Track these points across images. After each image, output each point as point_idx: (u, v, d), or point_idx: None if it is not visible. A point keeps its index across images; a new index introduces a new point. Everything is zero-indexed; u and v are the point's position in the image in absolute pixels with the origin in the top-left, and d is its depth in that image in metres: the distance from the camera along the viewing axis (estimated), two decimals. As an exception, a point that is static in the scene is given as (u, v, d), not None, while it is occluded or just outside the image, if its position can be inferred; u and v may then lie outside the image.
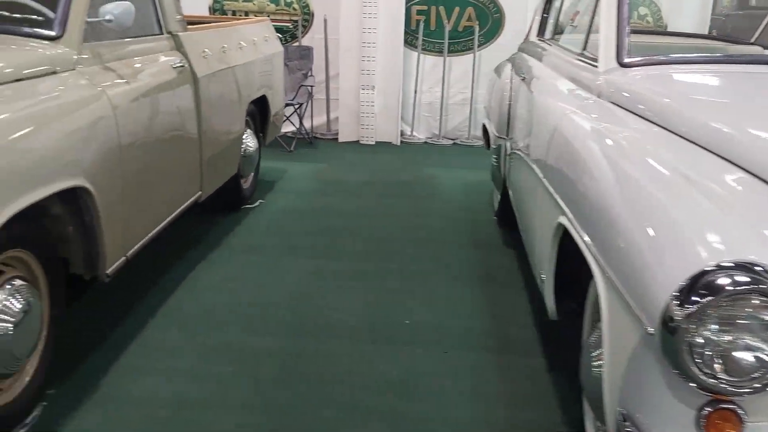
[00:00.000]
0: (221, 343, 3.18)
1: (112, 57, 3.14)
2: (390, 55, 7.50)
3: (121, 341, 3.12)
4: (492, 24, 7.68)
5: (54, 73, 2.73)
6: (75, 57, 2.87)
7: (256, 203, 5.28)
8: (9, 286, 2.34)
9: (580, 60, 2.93)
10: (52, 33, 2.86)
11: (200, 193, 4.04)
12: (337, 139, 7.77)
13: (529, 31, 4.80)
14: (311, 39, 7.72)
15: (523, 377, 2.97)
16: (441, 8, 7.71)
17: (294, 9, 7.75)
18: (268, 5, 7.78)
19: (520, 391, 2.86)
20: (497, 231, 4.85)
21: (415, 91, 7.80)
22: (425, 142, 7.89)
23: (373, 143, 7.68)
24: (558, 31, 3.74)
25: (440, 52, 7.77)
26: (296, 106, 7.11)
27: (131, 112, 3.04)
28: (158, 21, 3.68)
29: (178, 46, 3.82)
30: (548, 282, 2.56)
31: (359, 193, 5.80)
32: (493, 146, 4.50)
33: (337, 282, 3.91)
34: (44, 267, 2.55)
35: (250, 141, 5.05)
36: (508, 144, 4.17)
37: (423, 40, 7.69)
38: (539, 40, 4.30)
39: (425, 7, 7.71)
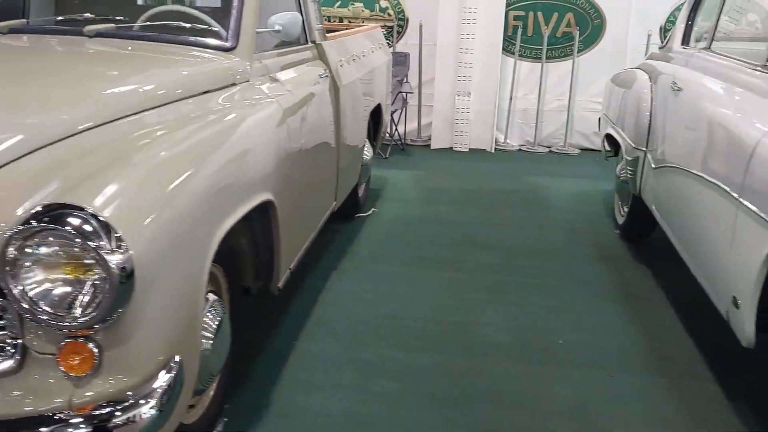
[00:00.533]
0: (377, 357, 3.13)
1: (275, 68, 3.13)
2: (487, 61, 7.40)
3: (278, 353, 3.10)
4: (592, 30, 7.52)
5: (233, 84, 2.71)
6: (249, 68, 2.85)
7: (369, 212, 5.24)
8: (206, 301, 2.32)
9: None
10: (227, 44, 2.85)
11: (335, 202, 4.01)
12: (428, 145, 7.71)
13: (668, 40, 4.64)
14: (404, 45, 7.68)
15: (697, 400, 2.85)
16: (539, 14, 7.58)
17: (389, 15, 7.72)
18: (363, 11, 7.76)
19: (701, 416, 2.74)
20: (623, 245, 4.71)
21: (511, 98, 7.69)
22: (519, 150, 7.76)
23: (467, 150, 7.59)
24: (715, 39, 3.59)
25: (537, 58, 7.64)
26: (392, 113, 7.07)
27: (296, 123, 3.01)
28: (304, 30, 3.66)
29: (321, 56, 3.79)
30: (749, 309, 2.44)
31: (468, 201, 5.72)
32: (626, 158, 4.36)
33: (474, 295, 3.83)
34: (228, 281, 2.53)
35: (366, 150, 5.02)
36: (649, 156, 4.03)
37: (519, 45, 7.57)
38: (685, 48, 4.15)
39: (522, 13, 7.59)
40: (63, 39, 2.77)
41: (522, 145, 7.83)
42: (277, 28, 3.00)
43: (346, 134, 4.03)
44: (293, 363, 3.04)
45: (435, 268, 4.23)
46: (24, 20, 2.81)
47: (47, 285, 1.62)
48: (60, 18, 2.84)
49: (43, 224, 1.59)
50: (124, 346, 1.71)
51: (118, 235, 1.61)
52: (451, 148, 7.63)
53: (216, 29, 2.91)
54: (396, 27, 7.66)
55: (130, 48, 2.75)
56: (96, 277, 1.61)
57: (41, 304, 1.62)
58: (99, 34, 2.77)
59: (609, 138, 5.06)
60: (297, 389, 2.84)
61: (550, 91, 7.69)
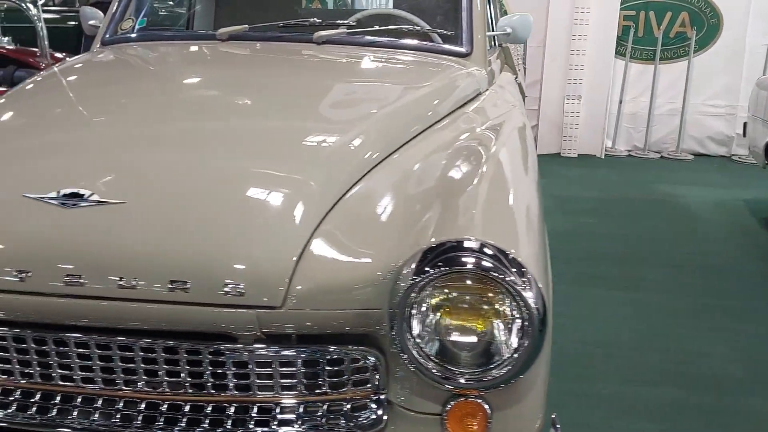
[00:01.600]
0: (610, 393, 2.85)
1: (497, 72, 2.87)
2: (599, 63, 7.10)
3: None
4: (708, 30, 7.17)
5: (479, 94, 2.45)
6: (485, 75, 2.59)
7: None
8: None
9: None
10: (462, 50, 2.59)
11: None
12: (533, 150, 7.41)
13: None
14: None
15: None
16: (651, 13, 7.26)
17: (492, 15, 7.44)
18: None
19: None
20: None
21: (620, 101, 7.37)
22: (629, 155, 7.45)
23: (575, 156, 7.30)
24: None
25: (647, 60, 7.32)
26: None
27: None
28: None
29: (507, 58, 3.53)
30: None
31: (603, 211, 5.43)
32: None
33: (673, 320, 3.54)
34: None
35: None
36: None
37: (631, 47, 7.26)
38: None
39: (634, 12, 7.27)
40: (293, 47, 2.52)
41: (630, 151, 7.51)
42: (507, 30, 2.74)
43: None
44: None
45: (607, 287, 3.94)
46: (245, 26, 2.56)
47: (452, 336, 1.36)
48: (281, 24, 2.59)
49: (441, 266, 1.33)
50: (516, 406, 1.45)
51: (524, 269, 1.35)
52: (558, 153, 7.34)
53: (449, 33, 2.65)
54: (499, 28, 7.38)
55: (373, 57, 2.50)
56: (513, 321, 1.34)
57: (439, 357, 1.36)
58: (327, 41, 2.52)
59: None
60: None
61: (662, 94, 7.36)
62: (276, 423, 1.45)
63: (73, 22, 7.49)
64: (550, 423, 1.58)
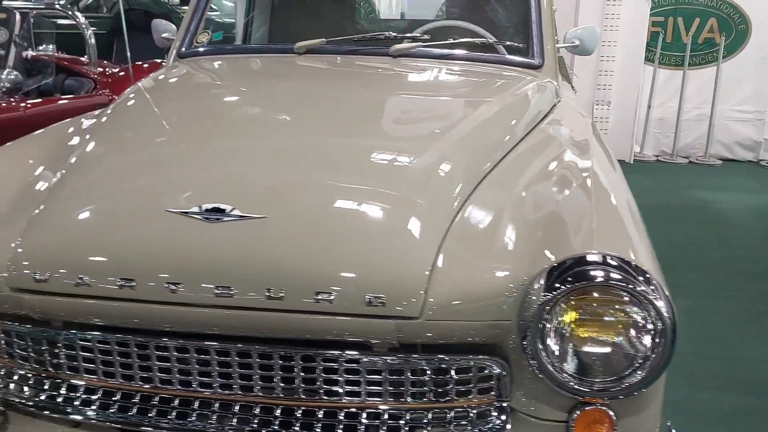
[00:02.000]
0: (679, 400, 2.88)
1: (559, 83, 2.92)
2: (629, 69, 7.14)
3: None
4: (736, 35, 7.22)
5: (554, 106, 2.51)
6: (556, 86, 2.65)
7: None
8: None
9: None
10: (534, 62, 2.65)
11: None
12: (560, 156, 7.46)
13: None
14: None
15: None
16: (680, 19, 7.30)
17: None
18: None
19: None
20: None
21: (649, 107, 7.42)
22: (657, 160, 7.49)
23: (604, 161, 7.33)
24: None
25: (676, 65, 7.37)
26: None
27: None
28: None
29: (562, 68, 3.58)
30: None
31: (651, 218, 5.45)
32: None
33: (728, 326, 3.58)
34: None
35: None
36: None
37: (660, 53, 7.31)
38: None
39: (662, 18, 7.32)
40: (374, 60, 2.58)
41: (658, 156, 7.56)
42: (575, 42, 2.80)
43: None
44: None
45: (676, 294, 3.98)
46: (322, 39, 2.63)
47: (585, 348, 1.42)
48: (356, 37, 2.66)
49: (571, 281, 1.39)
50: (639, 413, 1.50)
51: (650, 277, 1.41)
52: (587, 158, 7.37)
53: (521, 46, 2.71)
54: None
55: (454, 71, 2.56)
56: (645, 330, 1.40)
57: (572, 368, 1.42)
58: (402, 54, 2.58)
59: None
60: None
61: (690, 99, 7.40)
62: (407, 429, 1.51)
63: (93, 29, 7.52)
64: (666, 429, 1.63)
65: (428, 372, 1.50)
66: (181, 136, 1.91)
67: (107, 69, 5.00)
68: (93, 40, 4.94)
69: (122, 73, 4.92)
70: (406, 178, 1.70)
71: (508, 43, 2.73)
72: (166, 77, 2.53)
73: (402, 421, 1.51)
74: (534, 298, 1.41)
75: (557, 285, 1.40)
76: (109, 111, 2.16)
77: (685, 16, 7.29)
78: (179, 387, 1.55)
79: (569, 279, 1.40)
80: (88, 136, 1.96)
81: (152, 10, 8.22)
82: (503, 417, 1.53)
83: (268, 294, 1.41)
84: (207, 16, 3.09)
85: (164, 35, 3.01)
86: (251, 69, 2.63)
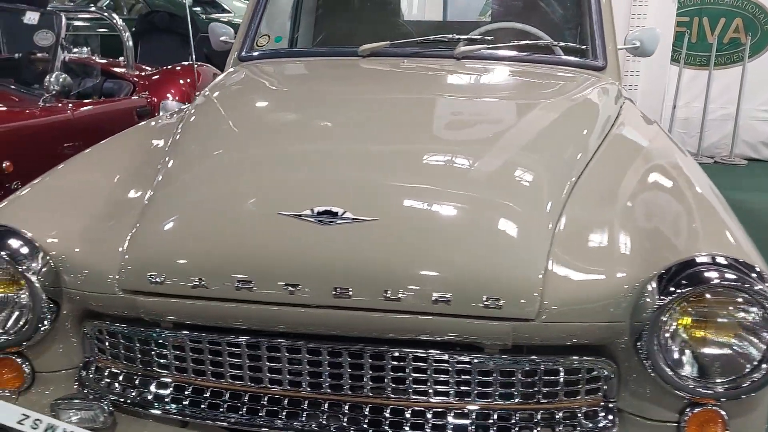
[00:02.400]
0: None
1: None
2: (655, 69, 7.13)
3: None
4: (762, 35, 7.21)
5: (621, 107, 2.52)
6: (619, 87, 2.66)
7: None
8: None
9: None
10: (598, 63, 2.66)
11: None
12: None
13: None
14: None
15: None
16: (705, 19, 7.30)
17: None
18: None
19: None
20: None
21: (674, 107, 7.42)
22: (682, 160, 7.48)
23: (629, 161, 7.33)
24: None
25: (701, 65, 7.37)
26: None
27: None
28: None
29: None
30: None
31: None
32: None
33: None
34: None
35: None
36: None
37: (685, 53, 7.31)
38: None
39: (687, 19, 7.32)
40: (438, 62, 2.59)
41: (683, 156, 7.55)
42: (636, 44, 2.81)
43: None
44: None
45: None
46: (386, 42, 2.64)
47: (701, 349, 1.44)
48: (419, 39, 2.67)
49: (685, 284, 1.41)
50: (749, 413, 1.51)
51: (764, 275, 1.42)
52: (612, 159, 7.38)
53: (583, 48, 2.72)
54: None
55: (523, 72, 2.57)
56: (762, 329, 1.41)
57: (689, 370, 1.43)
58: (466, 56, 2.59)
59: None
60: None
61: (715, 99, 7.40)
62: (516, 430, 1.52)
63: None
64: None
65: (538, 373, 1.51)
66: (280, 139, 1.92)
67: (143, 71, 5.02)
68: (131, 43, 4.97)
69: (157, 76, 4.95)
70: (506, 183, 1.71)
71: (572, 44, 2.74)
72: (242, 80, 2.55)
73: (512, 421, 1.53)
74: (648, 300, 1.42)
75: (672, 289, 1.41)
76: (192, 114, 2.17)
77: (710, 16, 7.29)
78: (288, 387, 1.56)
79: (683, 282, 1.41)
80: (179, 139, 1.98)
81: (175, 12, 8.23)
82: (611, 417, 1.54)
83: (386, 296, 1.43)
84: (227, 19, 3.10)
85: (222, 39, 3.03)
86: (324, 72, 2.63)
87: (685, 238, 1.58)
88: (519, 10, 3.29)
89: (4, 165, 3.18)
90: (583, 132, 2.04)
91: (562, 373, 1.52)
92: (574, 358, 1.51)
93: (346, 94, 2.34)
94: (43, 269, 1.59)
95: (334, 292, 1.44)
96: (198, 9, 10.51)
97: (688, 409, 1.49)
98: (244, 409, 1.57)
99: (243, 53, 2.85)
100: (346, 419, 1.54)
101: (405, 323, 1.45)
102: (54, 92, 3.65)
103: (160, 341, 1.61)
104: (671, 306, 1.41)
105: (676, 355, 1.43)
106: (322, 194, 1.57)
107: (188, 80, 5.04)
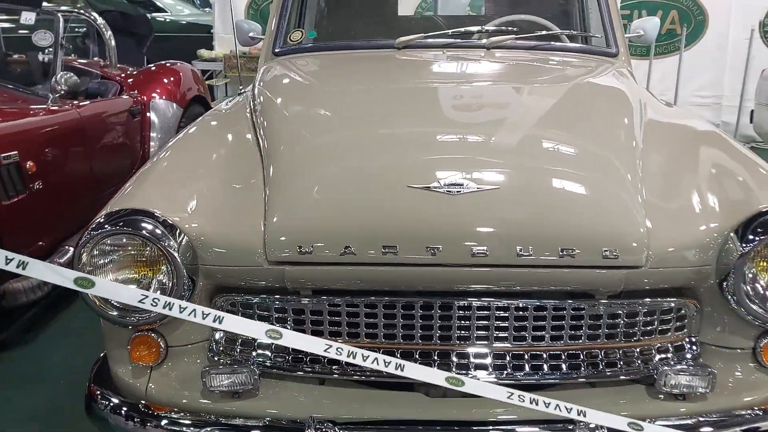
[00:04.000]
0: None
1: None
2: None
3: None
4: (696, 26, 7.76)
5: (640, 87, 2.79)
6: (631, 72, 2.94)
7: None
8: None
9: None
10: (612, 50, 2.94)
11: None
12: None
13: None
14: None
15: None
16: (644, 12, 7.80)
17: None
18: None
19: None
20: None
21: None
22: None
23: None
24: None
25: (642, 55, 7.86)
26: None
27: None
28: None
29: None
30: None
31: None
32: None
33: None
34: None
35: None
36: None
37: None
38: None
39: (628, 12, 7.80)
40: (474, 52, 2.81)
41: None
42: (640, 32, 3.10)
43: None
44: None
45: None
46: (421, 35, 2.84)
47: None
48: (450, 32, 2.88)
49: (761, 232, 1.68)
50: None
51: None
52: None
53: (598, 35, 2.99)
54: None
55: (556, 59, 2.82)
56: None
57: (761, 302, 1.70)
58: (496, 46, 2.83)
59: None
60: None
61: (655, 86, 7.90)
62: (621, 364, 1.77)
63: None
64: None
65: (639, 314, 1.76)
66: (388, 119, 2.10)
67: (125, 71, 5.04)
68: (113, 42, 4.98)
69: (141, 76, 4.97)
70: (595, 154, 1.94)
71: (591, 34, 3.01)
72: (302, 71, 2.72)
73: (617, 357, 1.77)
74: (732, 246, 1.68)
75: (751, 237, 1.67)
76: (272, 101, 2.32)
77: (649, 9, 7.80)
78: (420, 342, 1.75)
79: (759, 230, 1.68)
80: (273, 125, 2.12)
81: (127, 11, 8.14)
82: (695, 349, 1.80)
83: (519, 253, 1.64)
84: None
85: (251, 35, 3.16)
86: (387, 63, 2.78)
87: (756, 191, 1.84)
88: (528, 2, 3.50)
89: (27, 165, 3.21)
90: (633, 108, 2.29)
91: (657, 314, 1.77)
92: (669, 299, 1.76)
93: (419, 83, 2.55)
94: (182, 248, 1.71)
95: (472, 252, 1.63)
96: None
97: (763, 337, 1.77)
98: (377, 363, 1.74)
99: (276, 49, 3.00)
100: (473, 366, 1.74)
101: (536, 276, 1.66)
102: (62, 92, 3.68)
103: (297, 308, 1.76)
104: (753, 251, 1.67)
105: (758, 291, 1.70)
106: (443, 168, 1.76)
107: (172, 79, 5.09)
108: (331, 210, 1.73)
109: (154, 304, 1.42)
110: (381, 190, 1.75)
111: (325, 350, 1.49)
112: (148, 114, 4.70)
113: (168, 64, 5.37)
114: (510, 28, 2.90)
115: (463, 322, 1.73)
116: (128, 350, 1.81)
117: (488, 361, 1.75)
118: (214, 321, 1.47)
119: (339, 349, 1.44)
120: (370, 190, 1.76)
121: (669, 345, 1.80)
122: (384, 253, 1.65)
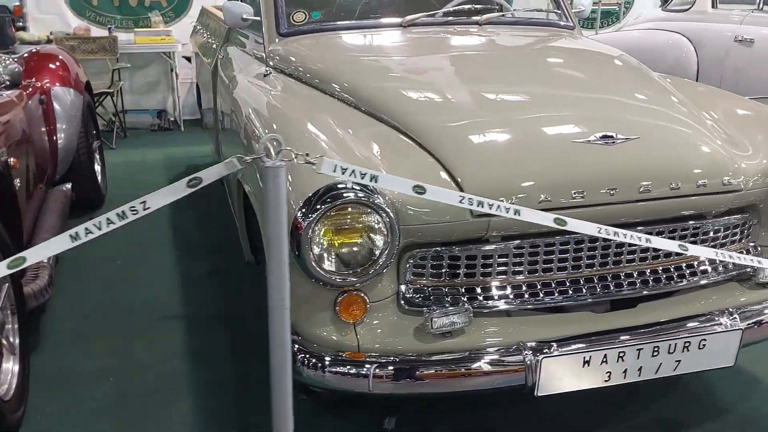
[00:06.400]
0: None
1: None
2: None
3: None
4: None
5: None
6: (584, 43, 3.48)
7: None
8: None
9: None
10: (570, 24, 3.46)
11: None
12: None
13: (690, 4, 5.95)
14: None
15: None
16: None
17: None
18: None
19: None
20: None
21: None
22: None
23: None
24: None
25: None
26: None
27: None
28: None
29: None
30: None
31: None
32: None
33: None
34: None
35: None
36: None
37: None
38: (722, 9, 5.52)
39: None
40: (474, 28, 3.14)
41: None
42: (581, 8, 3.65)
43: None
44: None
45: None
46: (423, 13, 3.12)
47: None
48: (450, 8, 3.19)
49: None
50: None
51: None
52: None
53: (559, 12, 3.48)
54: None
55: (555, 35, 3.27)
56: None
57: None
58: (489, 22, 3.21)
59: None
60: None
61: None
62: (711, 269, 2.28)
63: None
64: None
65: (728, 228, 2.28)
66: (513, 86, 2.46)
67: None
68: None
69: (32, 63, 4.57)
70: (680, 109, 2.42)
71: (555, 11, 3.50)
72: (341, 47, 3.00)
73: (714, 266, 2.28)
74: None
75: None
76: (349, 70, 2.65)
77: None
78: (597, 268, 2.12)
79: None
80: (378, 94, 2.43)
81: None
82: (759, 250, 2.38)
83: (672, 186, 2.07)
84: None
85: (245, 16, 3.18)
86: (421, 39, 3.05)
87: None
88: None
89: (10, 161, 2.96)
90: (645, 68, 2.83)
91: (731, 228, 2.30)
92: (745, 215, 2.30)
93: (494, 53, 3.02)
94: (391, 211, 1.89)
95: (640, 189, 2.04)
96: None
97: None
98: (558, 292, 2.08)
99: (282, 30, 3.08)
100: (638, 284, 2.16)
101: (677, 204, 2.12)
102: (6, 83, 3.38)
103: (486, 255, 2.03)
104: None
105: None
106: (591, 124, 2.15)
107: (57, 64, 4.71)
108: (522, 165, 2.04)
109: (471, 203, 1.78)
110: (555, 146, 2.09)
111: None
112: (52, 103, 4.36)
113: (45, 51, 4.97)
114: (494, 6, 3.32)
115: (619, 248, 2.13)
116: (336, 311, 1.96)
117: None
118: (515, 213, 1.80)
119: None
120: (548, 147, 2.10)
121: (741, 252, 2.35)
122: (573, 197, 1.98)
